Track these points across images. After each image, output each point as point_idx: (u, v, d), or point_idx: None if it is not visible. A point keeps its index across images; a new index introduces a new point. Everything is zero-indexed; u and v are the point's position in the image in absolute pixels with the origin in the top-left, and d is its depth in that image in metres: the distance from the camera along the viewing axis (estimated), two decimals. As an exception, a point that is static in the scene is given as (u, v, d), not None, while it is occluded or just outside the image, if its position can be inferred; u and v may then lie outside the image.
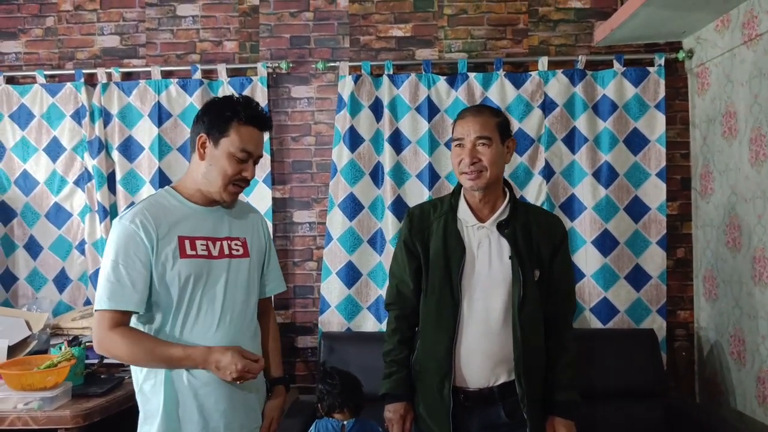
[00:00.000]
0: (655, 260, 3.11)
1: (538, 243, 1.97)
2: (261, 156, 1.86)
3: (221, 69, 3.16)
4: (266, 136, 2.02)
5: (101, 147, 3.17)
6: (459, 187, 2.07)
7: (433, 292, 1.96)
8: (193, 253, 1.77)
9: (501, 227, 1.96)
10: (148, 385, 1.76)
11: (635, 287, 3.11)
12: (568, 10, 3.22)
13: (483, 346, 1.91)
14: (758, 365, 2.64)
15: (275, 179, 3.23)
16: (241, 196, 3.02)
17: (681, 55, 3.13)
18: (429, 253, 2.00)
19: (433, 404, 1.94)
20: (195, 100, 3.16)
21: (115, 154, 3.19)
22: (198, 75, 3.17)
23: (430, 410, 1.95)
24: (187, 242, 1.77)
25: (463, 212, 2.01)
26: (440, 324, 1.93)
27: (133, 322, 1.77)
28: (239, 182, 1.81)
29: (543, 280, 1.97)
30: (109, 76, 3.20)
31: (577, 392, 1.97)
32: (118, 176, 3.19)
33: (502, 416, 1.92)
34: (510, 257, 1.93)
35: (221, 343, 1.76)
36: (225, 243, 1.84)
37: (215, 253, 1.81)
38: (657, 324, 3.09)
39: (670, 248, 3.14)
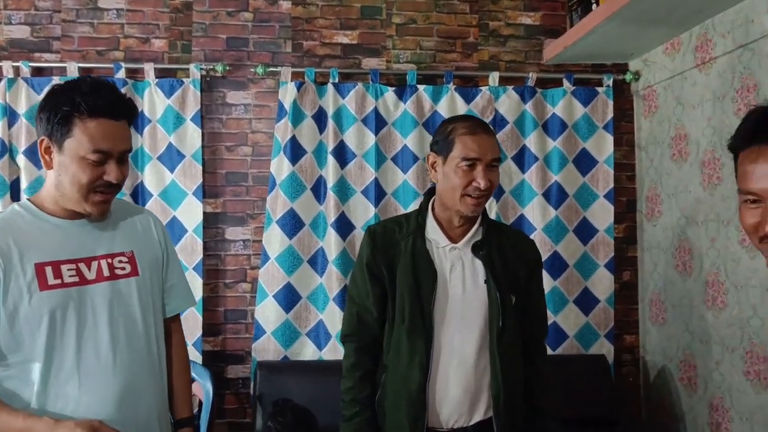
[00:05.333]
0: (603, 283, 3.06)
1: (514, 266, 1.82)
2: (128, 151, 1.49)
3: (149, 69, 2.86)
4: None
5: (4, 150, 2.77)
6: (426, 204, 1.88)
7: (403, 321, 1.76)
8: (58, 281, 1.44)
9: (476, 249, 1.79)
10: None
11: (584, 311, 3.05)
12: (518, 26, 3.15)
13: (459, 381, 1.73)
14: (711, 391, 2.61)
15: (206, 192, 2.95)
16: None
17: (629, 76, 3.12)
18: (396, 277, 1.80)
19: (404, 449, 1.72)
20: (117, 102, 2.83)
21: (21, 159, 2.80)
22: (122, 74, 2.84)
23: (400, 456, 1.74)
24: (48, 269, 1.44)
25: (433, 232, 1.82)
26: (413, 357, 1.73)
27: (12, 379, 1.44)
28: (102, 188, 1.46)
29: (519, 305, 1.81)
30: (17, 70, 2.81)
31: (558, 422, 1.83)
32: (24, 184, 2.80)
33: (477, 457, 1.74)
34: (485, 281, 1.77)
35: (117, 386, 1.47)
36: (104, 262, 1.52)
37: (91, 276, 1.49)
38: (605, 349, 3.03)
39: (616, 271, 3.10)
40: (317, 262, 2.95)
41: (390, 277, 1.81)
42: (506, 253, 1.82)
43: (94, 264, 1.50)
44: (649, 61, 3.06)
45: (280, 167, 2.90)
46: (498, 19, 3.14)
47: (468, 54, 3.12)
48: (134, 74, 2.90)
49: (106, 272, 1.51)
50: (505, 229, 1.96)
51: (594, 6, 2.79)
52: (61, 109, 1.41)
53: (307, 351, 2.91)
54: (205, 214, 2.92)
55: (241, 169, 2.99)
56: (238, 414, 2.92)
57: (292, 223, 2.90)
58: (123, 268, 1.54)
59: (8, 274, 1.41)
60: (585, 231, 3.07)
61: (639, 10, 2.51)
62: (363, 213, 2.94)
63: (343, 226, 2.92)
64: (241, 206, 2.99)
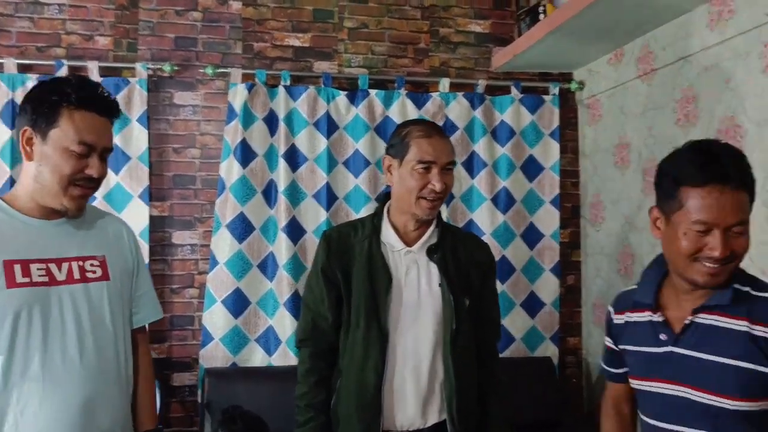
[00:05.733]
0: (549, 287, 3.13)
1: (468, 269, 1.84)
2: (109, 149, 1.52)
3: (92, 67, 2.76)
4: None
5: (-65, 149, 2.64)
6: (381, 208, 1.88)
7: (358, 325, 1.75)
8: (26, 280, 1.42)
9: (430, 252, 1.81)
10: None
11: (530, 314, 3.11)
12: (468, 34, 3.19)
13: (414, 384, 1.74)
14: (652, 391, 2.70)
15: (153, 195, 2.86)
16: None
17: (573, 85, 3.20)
18: (351, 281, 1.80)
19: (359, 452, 1.72)
20: (58, 101, 2.72)
21: (-46, 159, 2.67)
22: (63, 71, 2.73)
23: (355, 459, 1.73)
24: (17, 267, 1.41)
25: (388, 235, 1.83)
26: (367, 361, 1.73)
27: None
28: (82, 183, 1.47)
29: (472, 308, 1.84)
30: (-51, 65, 2.68)
31: (511, 426, 1.86)
32: (-42, 185, 2.67)
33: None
34: (439, 285, 1.78)
35: (81, 390, 1.43)
36: (75, 264, 1.50)
37: (61, 277, 1.46)
38: (550, 351, 3.10)
39: (561, 275, 3.17)
40: (267, 267, 2.90)
41: (345, 281, 1.80)
42: (460, 257, 1.84)
43: (65, 265, 1.48)
44: (593, 71, 3.15)
45: (230, 170, 2.85)
46: (448, 26, 3.18)
47: (419, 60, 3.14)
48: (77, 72, 2.79)
49: (76, 274, 1.49)
50: (459, 233, 1.98)
51: (542, 16, 2.87)
52: (49, 99, 1.42)
53: (256, 357, 2.87)
54: (151, 217, 2.83)
55: (189, 171, 2.92)
56: (185, 422, 2.85)
57: (241, 228, 2.85)
58: (94, 272, 1.52)
59: None
60: (532, 236, 3.14)
61: (583, 23, 2.59)
62: (314, 217, 2.92)
63: (294, 231, 2.89)
64: (189, 210, 2.92)
